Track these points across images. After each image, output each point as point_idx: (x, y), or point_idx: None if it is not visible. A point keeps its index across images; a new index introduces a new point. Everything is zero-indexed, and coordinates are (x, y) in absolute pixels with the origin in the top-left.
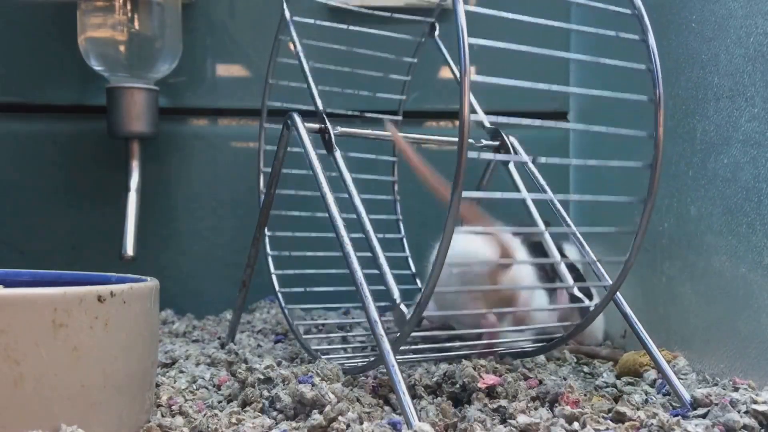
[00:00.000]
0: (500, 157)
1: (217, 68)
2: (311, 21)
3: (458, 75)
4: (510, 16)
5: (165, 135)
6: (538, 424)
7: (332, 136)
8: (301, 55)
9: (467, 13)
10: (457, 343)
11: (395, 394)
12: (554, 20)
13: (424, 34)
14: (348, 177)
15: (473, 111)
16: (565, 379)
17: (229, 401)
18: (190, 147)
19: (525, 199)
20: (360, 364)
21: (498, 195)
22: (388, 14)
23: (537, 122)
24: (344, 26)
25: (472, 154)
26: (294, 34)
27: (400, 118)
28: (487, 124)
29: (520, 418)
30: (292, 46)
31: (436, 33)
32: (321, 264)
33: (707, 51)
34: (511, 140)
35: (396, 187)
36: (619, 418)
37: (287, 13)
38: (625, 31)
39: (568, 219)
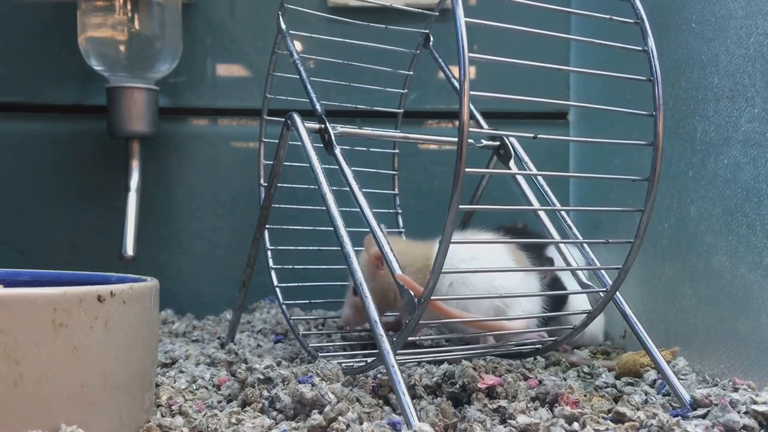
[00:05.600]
0: (498, 171)
1: (217, 68)
2: (308, 34)
3: (456, 85)
4: (510, 27)
5: (165, 135)
6: (537, 425)
7: (332, 136)
8: (299, 63)
9: (467, 22)
10: (455, 346)
11: (395, 395)
12: (555, 22)
13: (419, 45)
14: (350, 175)
15: (473, 118)
16: (565, 379)
17: (229, 401)
18: (190, 147)
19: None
20: (360, 364)
21: (499, 207)
22: (382, 26)
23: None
24: (340, 39)
25: (473, 146)
26: (291, 44)
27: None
28: (486, 126)
29: (520, 419)
30: (292, 47)
31: (431, 43)
32: (321, 263)
33: (707, 51)
34: (511, 141)
35: (396, 181)
36: (619, 419)
37: (283, 26)
38: (625, 35)
39: (569, 221)
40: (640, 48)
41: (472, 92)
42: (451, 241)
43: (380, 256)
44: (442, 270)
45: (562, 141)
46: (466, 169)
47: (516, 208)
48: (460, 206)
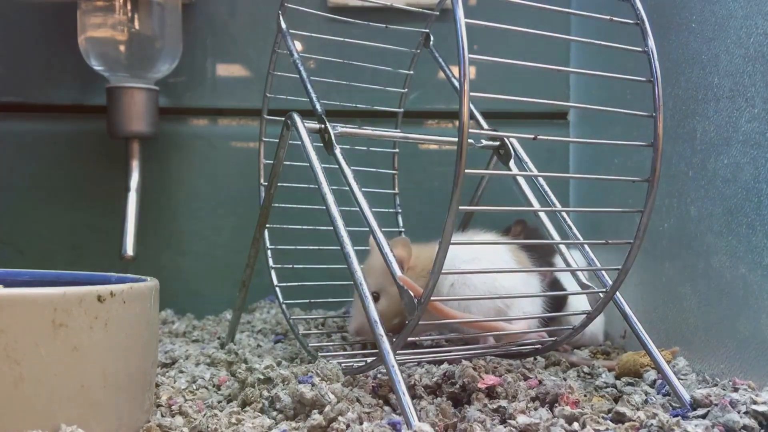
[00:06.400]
0: (497, 172)
1: (217, 68)
2: (308, 33)
3: (456, 85)
4: (511, 28)
5: (165, 135)
6: (537, 425)
7: (332, 136)
8: (299, 63)
9: (467, 23)
10: (455, 347)
11: (395, 394)
12: (555, 22)
13: (419, 45)
14: (350, 175)
15: (473, 118)
16: (565, 379)
17: (229, 401)
18: (190, 147)
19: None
20: (360, 364)
21: (499, 208)
22: (383, 26)
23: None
24: (340, 39)
25: (473, 146)
26: (291, 44)
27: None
28: (486, 127)
29: (519, 419)
30: (292, 46)
31: (431, 43)
32: (321, 263)
33: (707, 51)
34: (511, 141)
35: (396, 180)
36: (619, 419)
37: (283, 25)
38: (625, 34)
39: (569, 221)
40: (640, 49)
41: (472, 93)
42: (451, 242)
43: (404, 259)
44: (442, 271)
45: (561, 133)
46: (466, 170)
47: (516, 209)
48: (460, 207)
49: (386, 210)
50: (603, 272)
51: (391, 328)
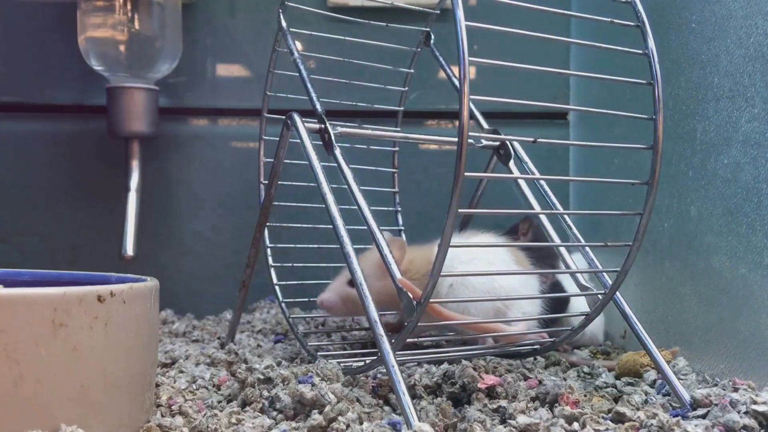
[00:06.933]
0: (496, 175)
1: (217, 68)
2: (308, 32)
3: (456, 84)
4: (511, 30)
5: (165, 135)
6: (537, 425)
7: (332, 136)
8: (299, 62)
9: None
10: (455, 347)
11: (395, 395)
12: (555, 21)
13: (420, 43)
14: (350, 175)
15: (473, 118)
16: (565, 379)
17: (229, 401)
18: (190, 147)
19: (523, 199)
20: (360, 364)
21: (499, 211)
22: (383, 24)
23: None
24: (341, 37)
25: (473, 146)
26: (291, 43)
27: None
28: (486, 126)
29: (519, 419)
30: (292, 45)
31: (432, 42)
32: (321, 262)
33: (707, 51)
34: (511, 141)
35: (396, 179)
36: (619, 419)
37: (284, 23)
38: (626, 34)
39: (569, 221)
40: (640, 51)
41: (472, 96)
42: (450, 244)
43: (397, 261)
44: (441, 273)
45: (561, 134)
46: (466, 174)
47: (516, 212)
48: (459, 210)
49: (386, 209)
50: (603, 273)
51: (390, 328)
